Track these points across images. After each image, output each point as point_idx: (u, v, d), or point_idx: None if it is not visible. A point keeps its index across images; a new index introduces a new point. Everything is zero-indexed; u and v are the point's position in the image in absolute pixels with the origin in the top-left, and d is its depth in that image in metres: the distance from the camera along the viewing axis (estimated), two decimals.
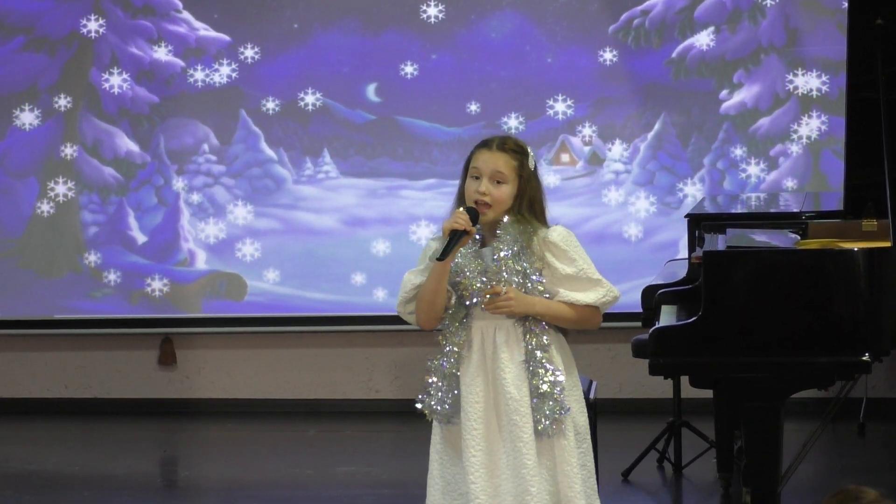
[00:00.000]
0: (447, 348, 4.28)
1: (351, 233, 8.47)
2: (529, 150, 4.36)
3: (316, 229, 8.48)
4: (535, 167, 4.35)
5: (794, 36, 8.12)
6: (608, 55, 8.23)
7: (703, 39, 8.14)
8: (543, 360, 4.25)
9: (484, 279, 4.25)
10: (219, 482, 7.38)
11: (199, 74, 8.47)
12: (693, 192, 8.20)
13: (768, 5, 8.11)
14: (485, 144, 4.35)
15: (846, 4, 6.06)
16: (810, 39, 8.11)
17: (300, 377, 8.62)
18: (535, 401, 4.23)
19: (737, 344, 5.19)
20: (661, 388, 7.19)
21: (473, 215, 4.24)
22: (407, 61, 8.35)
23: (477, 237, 4.29)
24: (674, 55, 8.20)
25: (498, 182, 4.27)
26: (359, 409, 8.51)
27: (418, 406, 4.32)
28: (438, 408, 4.27)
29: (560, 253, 4.29)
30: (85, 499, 6.97)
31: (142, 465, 7.65)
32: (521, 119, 8.30)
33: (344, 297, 8.46)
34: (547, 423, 4.22)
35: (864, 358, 5.14)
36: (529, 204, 4.30)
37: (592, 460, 4.38)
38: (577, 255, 4.30)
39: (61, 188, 8.56)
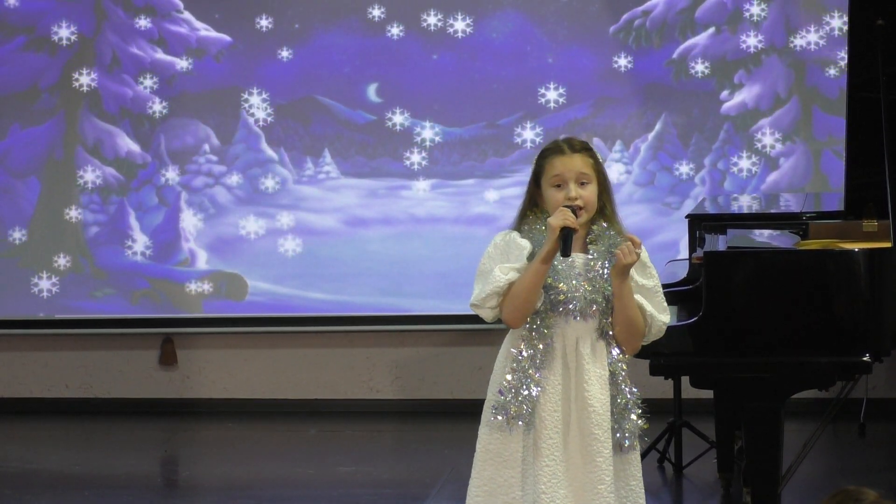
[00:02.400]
0: (529, 351, 4.21)
1: (351, 233, 8.46)
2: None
3: (316, 229, 8.48)
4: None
5: (794, 36, 8.12)
6: (609, 56, 8.23)
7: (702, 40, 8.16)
8: (625, 375, 4.25)
9: (582, 285, 4.21)
10: (219, 482, 7.37)
11: (199, 74, 8.47)
12: (694, 193, 8.20)
13: (768, 5, 8.11)
14: (556, 150, 4.25)
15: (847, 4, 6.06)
16: (810, 39, 8.11)
17: (300, 377, 8.62)
18: (615, 416, 4.23)
19: (737, 344, 5.19)
20: (661, 388, 7.19)
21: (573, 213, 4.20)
22: (408, 61, 8.35)
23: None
24: (675, 55, 8.20)
25: (583, 183, 4.22)
26: (359, 409, 8.51)
27: (493, 407, 4.19)
28: (523, 408, 4.19)
29: (640, 265, 4.34)
30: (85, 499, 6.96)
31: (142, 465, 7.64)
32: (521, 119, 8.29)
33: (344, 297, 8.46)
34: (626, 438, 4.23)
35: (864, 358, 5.14)
36: (610, 199, 4.29)
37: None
38: (654, 272, 4.38)
39: (62, 188, 8.56)
